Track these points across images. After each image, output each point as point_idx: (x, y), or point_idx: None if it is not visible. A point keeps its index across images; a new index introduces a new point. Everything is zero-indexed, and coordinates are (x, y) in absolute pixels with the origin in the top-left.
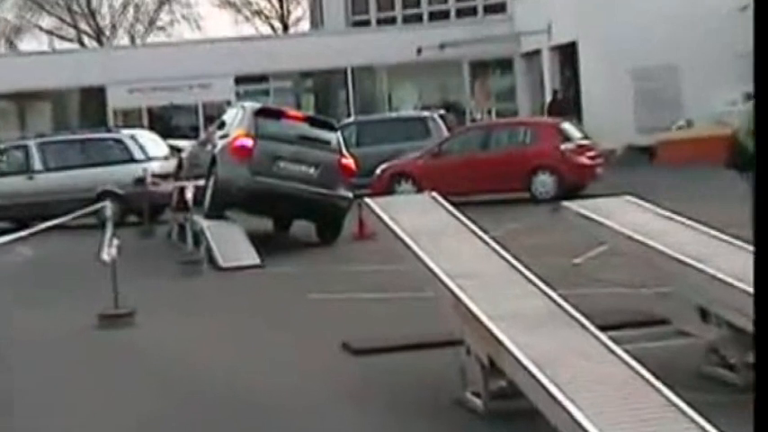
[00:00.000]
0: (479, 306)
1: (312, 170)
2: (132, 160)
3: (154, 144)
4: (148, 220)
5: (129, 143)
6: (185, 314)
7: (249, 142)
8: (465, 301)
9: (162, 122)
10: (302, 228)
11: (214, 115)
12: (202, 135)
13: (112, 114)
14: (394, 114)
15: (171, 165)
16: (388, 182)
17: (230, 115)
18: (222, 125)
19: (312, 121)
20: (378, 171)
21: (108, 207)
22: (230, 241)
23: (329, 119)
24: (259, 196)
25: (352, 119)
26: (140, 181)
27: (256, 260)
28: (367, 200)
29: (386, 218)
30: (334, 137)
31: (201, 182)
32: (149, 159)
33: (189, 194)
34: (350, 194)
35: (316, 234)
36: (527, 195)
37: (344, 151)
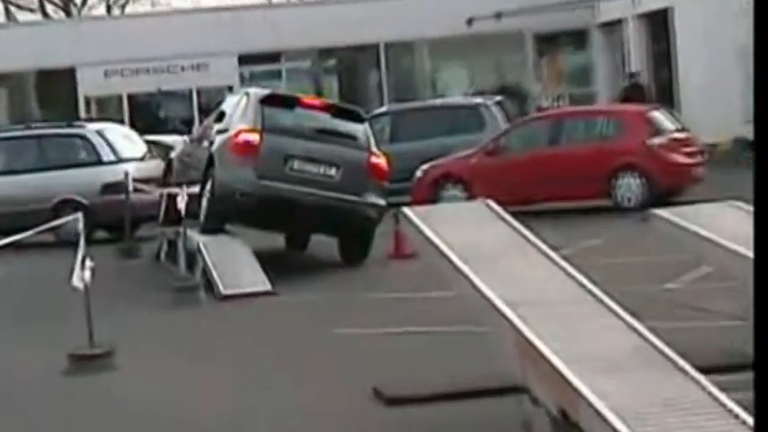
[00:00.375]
0: (548, 344)
1: (334, 172)
2: (99, 162)
3: (127, 141)
4: (129, 236)
5: (96, 141)
6: (176, 354)
7: (254, 138)
8: (530, 337)
9: (147, 114)
10: (322, 245)
11: (211, 105)
12: (197, 129)
13: (84, 103)
14: (438, 102)
15: (150, 167)
16: (431, 186)
17: (231, 104)
18: (221, 117)
19: (335, 111)
20: (418, 173)
21: (80, 220)
22: (233, 262)
23: (356, 108)
24: (267, 205)
25: (385, 108)
26: (110, 188)
27: (266, 286)
28: (405, 209)
29: (429, 232)
30: (361, 130)
31: (196, 188)
32: (121, 161)
33: (181, 204)
34: (382, 202)
35: (339, 253)
36: (608, 203)
37: (375, 148)
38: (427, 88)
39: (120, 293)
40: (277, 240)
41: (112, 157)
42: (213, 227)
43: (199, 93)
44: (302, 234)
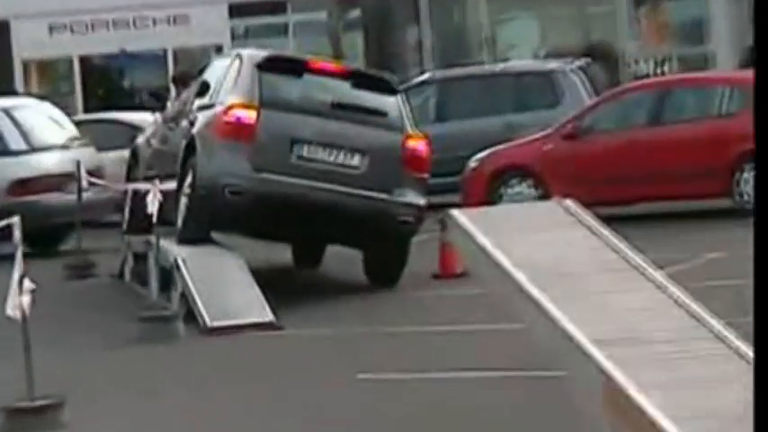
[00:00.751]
0: (652, 396)
1: (357, 161)
2: (6, 152)
3: (46, 123)
4: (79, 247)
5: (2, 124)
6: (145, 408)
7: (250, 115)
8: (626, 386)
9: (106, 83)
10: (341, 259)
11: (192, 71)
12: (172, 105)
13: (21, 68)
14: (499, 66)
15: (81, 157)
16: (489, 181)
17: (218, 71)
18: (205, 88)
19: (358, 79)
20: (472, 163)
21: (16, 226)
22: (223, 284)
23: (386, 74)
24: (267, 207)
25: (427, 75)
26: (22, 185)
27: (267, 316)
28: (454, 212)
29: (487, 243)
30: (393, 104)
31: (172, 184)
32: (34, 150)
33: (152, 205)
34: (421, 201)
35: (364, 270)
36: (729, 203)
37: (412, 127)
38: (484, 49)
39: (70, 325)
40: (281, 253)
41: (23, 146)
42: (195, 235)
43: (176, 55)
44: (315, 245)
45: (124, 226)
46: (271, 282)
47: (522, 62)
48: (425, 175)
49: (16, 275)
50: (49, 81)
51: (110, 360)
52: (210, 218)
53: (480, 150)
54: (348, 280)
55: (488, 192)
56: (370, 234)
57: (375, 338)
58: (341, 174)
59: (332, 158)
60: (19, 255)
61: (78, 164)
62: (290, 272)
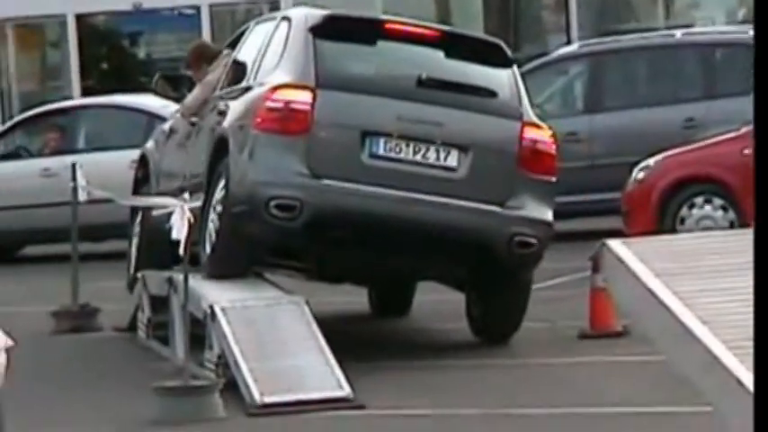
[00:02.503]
0: None
1: (455, 161)
2: None
3: None
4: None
5: None
6: None
7: (303, 100)
8: None
9: (113, 53)
10: (442, 303)
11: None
12: (195, 92)
13: None
14: (677, 34)
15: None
16: (663, 198)
17: (257, 42)
18: (239, 67)
19: (454, 45)
20: (638, 173)
21: None
22: (279, 342)
23: (494, 39)
24: (331, 228)
25: (574, 46)
26: None
27: (342, 389)
28: (612, 243)
29: (662, 290)
30: (505, 80)
31: (196, 201)
32: None
33: (178, 230)
34: (547, 215)
35: (467, 318)
36: None
37: (531, 114)
38: (654, 10)
39: (62, 399)
40: (352, 296)
41: None
42: (227, 270)
43: (213, 14)
44: (399, 283)
45: (132, 258)
46: (337, 335)
47: (710, 29)
48: (551, 179)
49: None
50: (33, 50)
51: None
52: (250, 245)
53: (650, 155)
54: (446, 332)
55: (662, 214)
56: (474, 263)
57: (490, 423)
58: (433, 178)
59: (419, 157)
60: None
61: (74, 166)
62: (366, 322)
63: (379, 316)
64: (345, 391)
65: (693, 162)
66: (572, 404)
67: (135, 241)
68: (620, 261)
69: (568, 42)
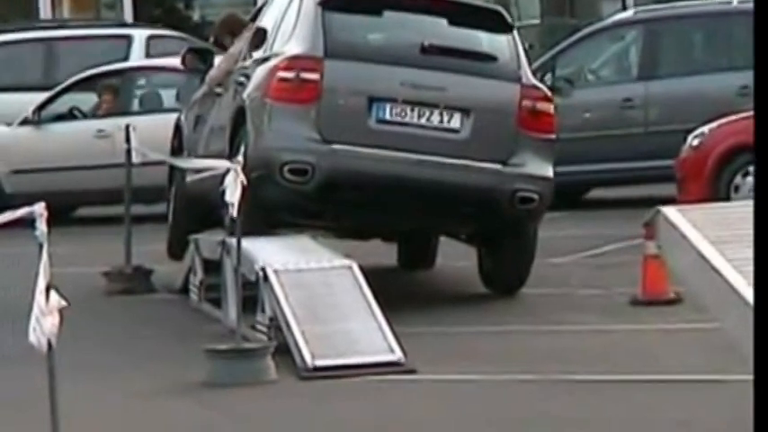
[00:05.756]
0: None
1: (458, 122)
2: None
3: None
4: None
5: None
6: None
7: (312, 69)
8: None
9: (167, 13)
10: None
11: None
12: (219, 63)
13: None
14: (732, 2)
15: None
16: (718, 166)
17: (276, 14)
18: (260, 38)
19: (457, 13)
20: (693, 139)
21: (40, 216)
22: (332, 305)
23: (495, 6)
24: (342, 189)
25: (629, 12)
26: None
27: (394, 353)
28: (667, 210)
29: (716, 257)
30: (505, 44)
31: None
32: None
33: (231, 193)
34: (547, 171)
35: (478, 268)
36: None
37: (530, 76)
38: None
39: (112, 360)
40: (383, 251)
41: None
42: (248, 230)
43: None
44: (417, 237)
45: (171, 219)
46: (391, 302)
47: None
48: (551, 137)
49: (41, 285)
50: (86, 7)
51: (169, 412)
52: (268, 208)
53: (705, 123)
54: (502, 303)
55: (716, 182)
56: (479, 219)
57: (542, 389)
58: (437, 140)
59: (424, 120)
60: (44, 257)
61: (128, 128)
62: (396, 275)
63: (405, 267)
64: (397, 355)
65: (748, 130)
66: (624, 371)
67: (171, 206)
68: (675, 228)
69: (624, 8)
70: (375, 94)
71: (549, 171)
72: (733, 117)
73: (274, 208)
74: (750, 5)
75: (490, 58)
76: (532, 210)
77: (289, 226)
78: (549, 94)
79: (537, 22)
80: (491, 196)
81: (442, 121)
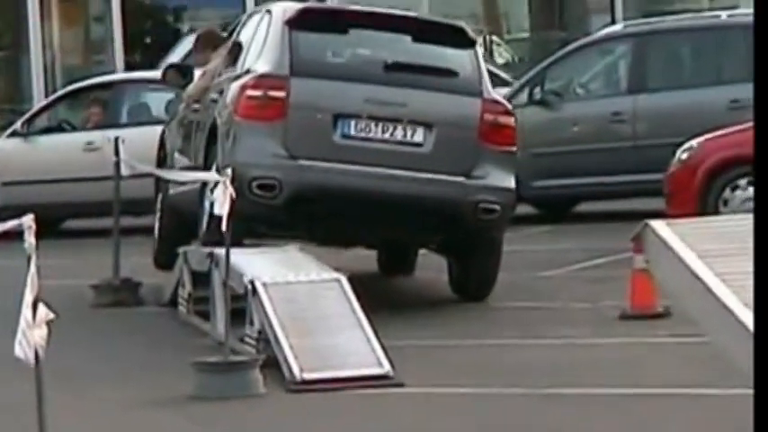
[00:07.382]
0: None
1: (421, 137)
2: None
3: None
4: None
5: None
6: None
7: (278, 88)
8: None
9: (155, 27)
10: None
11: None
12: (197, 79)
13: (37, 5)
14: (721, 16)
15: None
16: (706, 179)
17: (248, 31)
18: (236, 54)
19: (420, 30)
20: (681, 153)
21: (28, 228)
22: (321, 318)
23: (457, 22)
24: (307, 203)
25: (618, 26)
26: None
27: (383, 366)
28: (655, 224)
29: (705, 272)
30: (466, 60)
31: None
32: None
33: (220, 205)
34: (509, 183)
35: (448, 276)
36: None
37: (491, 90)
38: None
39: (100, 372)
40: (363, 258)
41: None
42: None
43: None
44: (395, 245)
45: (158, 231)
46: (380, 315)
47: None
48: (512, 149)
49: (28, 298)
50: (77, 24)
51: (157, 425)
52: (240, 221)
53: (694, 136)
54: (491, 315)
55: (705, 196)
56: (444, 230)
57: (530, 403)
58: (401, 154)
59: (388, 135)
60: (33, 270)
61: (117, 140)
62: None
63: (385, 273)
64: (385, 368)
65: (737, 144)
66: (613, 384)
67: (157, 217)
68: (663, 242)
69: (613, 22)
70: (340, 111)
71: (510, 182)
72: (722, 131)
73: (247, 220)
74: (740, 20)
75: (452, 73)
76: (495, 220)
77: (264, 236)
78: (510, 107)
79: (526, 35)
80: (455, 208)
81: (405, 136)
